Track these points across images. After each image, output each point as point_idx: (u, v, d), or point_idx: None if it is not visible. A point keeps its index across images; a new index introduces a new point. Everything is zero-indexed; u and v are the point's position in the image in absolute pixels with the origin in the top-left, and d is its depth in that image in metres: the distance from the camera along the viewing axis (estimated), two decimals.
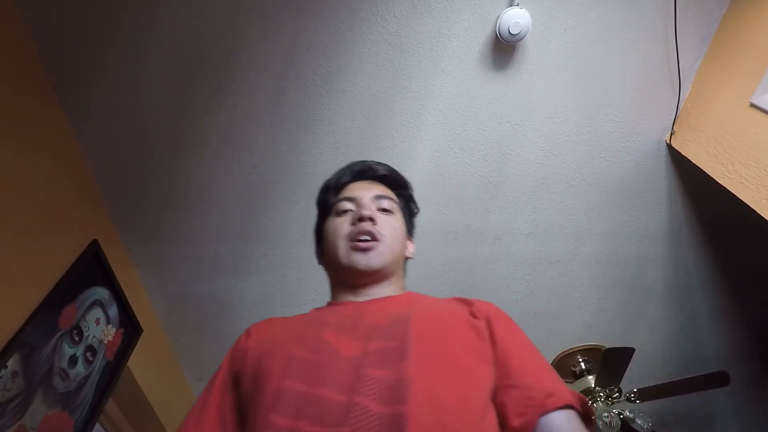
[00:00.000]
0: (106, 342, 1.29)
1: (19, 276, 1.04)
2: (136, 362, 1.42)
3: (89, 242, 1.26)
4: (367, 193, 0.82)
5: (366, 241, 0.74)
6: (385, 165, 0.90)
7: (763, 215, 1.09)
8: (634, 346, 1.70)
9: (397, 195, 0.87)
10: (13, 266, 1.02)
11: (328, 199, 0.87)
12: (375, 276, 0.76)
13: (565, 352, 2.04)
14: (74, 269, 1.18)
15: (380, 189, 0.84)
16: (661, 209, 1.62)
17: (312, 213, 1.59)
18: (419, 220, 1.63)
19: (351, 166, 0.89)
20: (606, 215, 1.62)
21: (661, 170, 1.53)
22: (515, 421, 0.58)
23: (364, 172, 0.88)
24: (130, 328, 1.42)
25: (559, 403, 0.58)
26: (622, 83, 1.36)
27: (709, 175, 1.26)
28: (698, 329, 2.02)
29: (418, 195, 1.49)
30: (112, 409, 1.48)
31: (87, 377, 1.21)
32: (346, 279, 0.77)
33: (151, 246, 1.51)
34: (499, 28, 1.20)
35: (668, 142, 1.45)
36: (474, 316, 0.69)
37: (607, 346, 1.80)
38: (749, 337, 2.06)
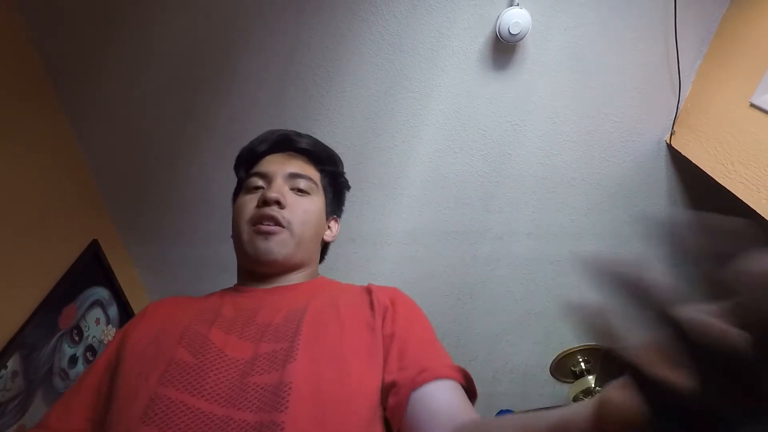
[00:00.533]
0: (106, 342, 1.29)
1: (19, 276, 1.03)
2: None
3: (89, 242, 1.26)
4: (281, 170, 0.73)
5: (269, 225, 0.67)
6: (309, 137, 0.80)
7: (763, 215, 1.09)
8: None
9: (320, 171, 0.79)
10: (13, 266, 1.02)
11: (240, 172, 0.79)
12: (278, 266, 0.70)
13: (565, 352, 2.04)
14: (74, 269, 1.18)
15: (298, 165, 0.75)
16: (661, 209, 1.62)
17: None
18: (419, 220, 1.62)
19: (269, 135, 0.79)
20: (606, 215, 1.61)
21: (661, 170, 1.53)
22: (390, 402, 0.54)
23: (283, 143, 0.78)
24: None
25: (430, 377, 0.53)
26: (622, 83, 1.36)
27: (709, 175, 1.26)
28: None
29: (418, 195, 1.50)
30: None
31: None
32: (249, 266, 0.71)
33: (151, 246, 1.51)
34: (499, 28, 1.20)
35: (668, 142, 1.45)
36: (372, 308, 0.65)
37: None
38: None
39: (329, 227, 0.81)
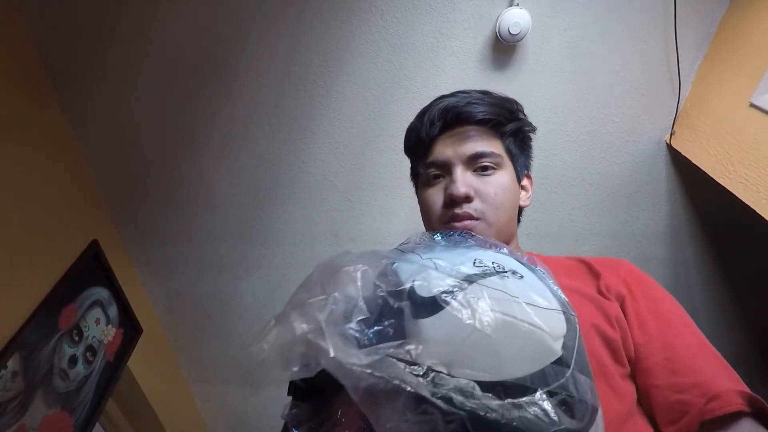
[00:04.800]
0: (106, 342, 1.29)
1: (19, 276, 1.03)
2: (136, 362, 1.42)
3: (89, 242, 1.26)
4: (458, 155, 0.64)
5: (462, 222, 0.61)
6: (480, 101, 0.67)
7: (763, 215, 1.09)
8: None
9: (502, 135, 0.68)
10: (13, 266, 1.02)
11: (413, 162, 0.71)
12: None
13: None
14: (74, 269, 1.17)
15: (476, 143, 0.65)
16: (661, 209, 1.62)
17: (312, 213, 1.58)
18: (419, 220, 1.60)
19: (436, 113, 0.67)
20: (606, 215, 1.61)
21: (661, 170, 1.52)
22: (668, 430, 0.47)
23: (456, 120, 0.66)
24: (130, 328, 1.42)
25: (723, 410, 0.44)
26: (622, 83, 1.36)
27: (709, 175, 1.26)
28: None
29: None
30: (112, 409, 1.48)
31: (87, 377, 1.21)
32: None
33: (151, 246, 1.51)
34: (499, 28, 1.20)
35: (668, 142, 1.44)
36: (603, 295, 0.58)
37: None
38: (749, 338, 2.06)
39: (522, 188, 0.71)
